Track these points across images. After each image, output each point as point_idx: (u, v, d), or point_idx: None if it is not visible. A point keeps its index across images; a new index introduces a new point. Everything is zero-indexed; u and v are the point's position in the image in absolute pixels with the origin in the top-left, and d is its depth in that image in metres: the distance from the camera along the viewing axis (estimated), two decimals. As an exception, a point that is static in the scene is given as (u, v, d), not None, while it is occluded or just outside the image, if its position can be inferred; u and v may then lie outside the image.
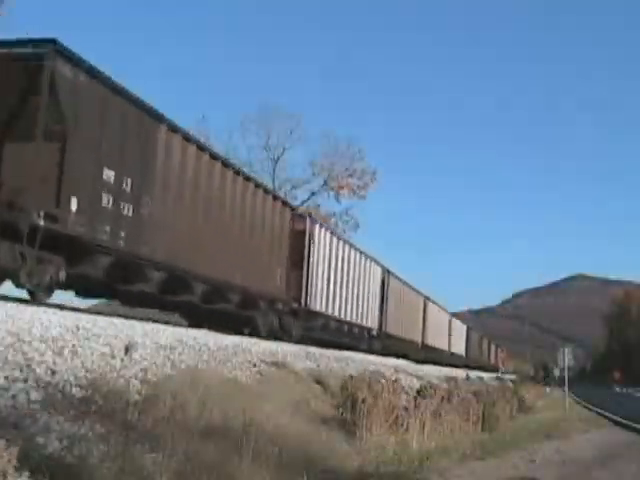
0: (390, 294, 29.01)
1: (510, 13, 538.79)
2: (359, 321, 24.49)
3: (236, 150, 38.27)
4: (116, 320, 9.80)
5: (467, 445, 10.60)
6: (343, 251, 22.65)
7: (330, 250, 21.19)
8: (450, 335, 45.05)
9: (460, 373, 31.99)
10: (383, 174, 50.10)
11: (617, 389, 77.48)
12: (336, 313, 21.82)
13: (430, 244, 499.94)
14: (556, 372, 47.28)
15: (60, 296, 12.15)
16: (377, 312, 27.06)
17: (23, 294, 10.59)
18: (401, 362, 25.15)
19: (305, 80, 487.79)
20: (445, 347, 43.19)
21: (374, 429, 9.18)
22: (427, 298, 37.36)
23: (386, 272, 28.70)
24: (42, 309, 8.59)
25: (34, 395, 5.33)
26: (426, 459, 8.71)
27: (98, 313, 10.98)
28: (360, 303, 24.60)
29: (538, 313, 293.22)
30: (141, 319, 11.84)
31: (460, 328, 50.65)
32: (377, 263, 27.24)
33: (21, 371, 5.69)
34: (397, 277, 30.86)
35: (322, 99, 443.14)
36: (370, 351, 24.75)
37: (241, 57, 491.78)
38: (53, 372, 5.99)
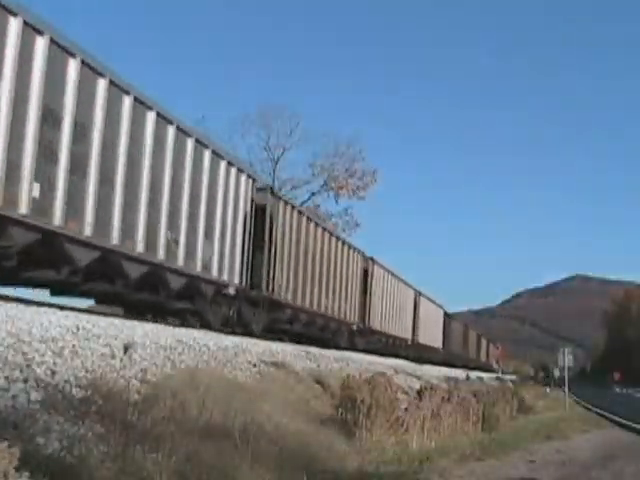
0: (278, 238, 17.60)
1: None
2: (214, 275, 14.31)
3: (236, 150, 38.27)
4: (116, 320, 9.81)
5: (467, 445, 10.60)
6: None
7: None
8: (416, 319, 35.17)
9: (460, 373, 32.03)
10: (383, 173, 49.77)
11: (617, 389, 77.52)
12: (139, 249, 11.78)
13: (430, 244, 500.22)
14: (556, 372, 47.32)
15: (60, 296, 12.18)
16: (243, 267, 15.81)
17: (23, 294, 10.62)
18: (401, 362, 25.15)
19: (305, 80, 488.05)
20: (406, 335, 33.40)
21: (374, 429, 9.19)
22: (371, 259, 27.30)
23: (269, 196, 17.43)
24: (42, 309, 8.60)
25: (34, 395, 5.34)
26: (426, 459, 8.71)
27: (98, 313, 10.98)
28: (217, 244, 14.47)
29: (538, 313, 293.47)
30: (141, 320, 11.85)
31: (433, 312, 39.42)
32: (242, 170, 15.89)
33: (21, 371, 5.69)
34: (291, 205, 19.01)
35: (322, 99, 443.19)
36: (249, 334, 15.65)
37: (241, 57, 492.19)
38: (53, 372, 5.99)
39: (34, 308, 8.50)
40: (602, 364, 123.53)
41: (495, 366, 65.99)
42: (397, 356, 28.63)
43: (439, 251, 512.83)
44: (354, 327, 25.01)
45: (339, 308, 22.67)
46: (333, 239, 22.37)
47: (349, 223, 40.15)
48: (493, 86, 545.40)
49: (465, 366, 45.02)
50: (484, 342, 64.46)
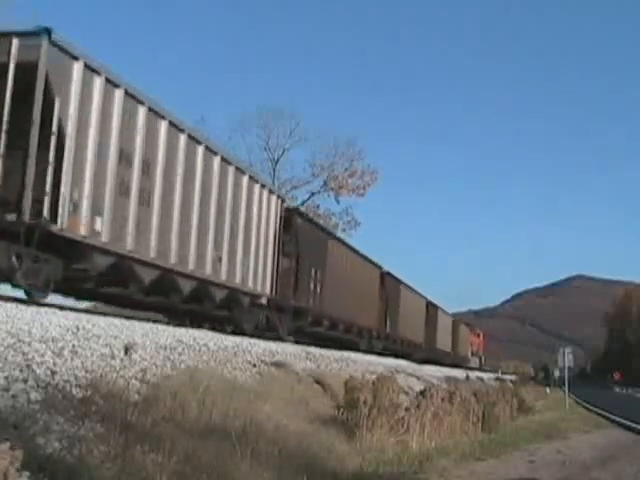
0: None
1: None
2: None
3: (236, 151, 38.23)
4: (116, 320, 9.80)
5: (467, 445, 10.60)
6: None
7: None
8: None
9: (460, 373, 32.00)
10: (383, 173, 49.61)
11: (617, 389, 77.53)
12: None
13: (430, 245, 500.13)
14: (556, 373, 47.23)
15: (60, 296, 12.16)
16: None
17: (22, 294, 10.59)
18: (401, 362, 25.13)
19: (305, 80, 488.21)
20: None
21: (374, 430, 9.18)
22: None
23: None
24: (42, 309, 8.59)
25: (34, 395, 5.33)
26: (426, 459, 8.70)
27: (98, 313, 10.97)
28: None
29: (538, 313, 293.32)
30: (141, 319, 11.85)
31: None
32: None
33: (21, 371, 5.69)
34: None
35: (322, 98, 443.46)
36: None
37: (241, 57, 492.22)
38: (53, 372, 5.99)
39: (34, 308, 8.49)
40: (602, 364, 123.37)
41: (472, 359, 52.70)
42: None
43: (439, 251, 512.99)
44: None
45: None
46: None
47: (349, 223, 40.16)
48: (495, 84, 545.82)
49: (404, 354, 35.86)
50: (445, 319, 43.64)
